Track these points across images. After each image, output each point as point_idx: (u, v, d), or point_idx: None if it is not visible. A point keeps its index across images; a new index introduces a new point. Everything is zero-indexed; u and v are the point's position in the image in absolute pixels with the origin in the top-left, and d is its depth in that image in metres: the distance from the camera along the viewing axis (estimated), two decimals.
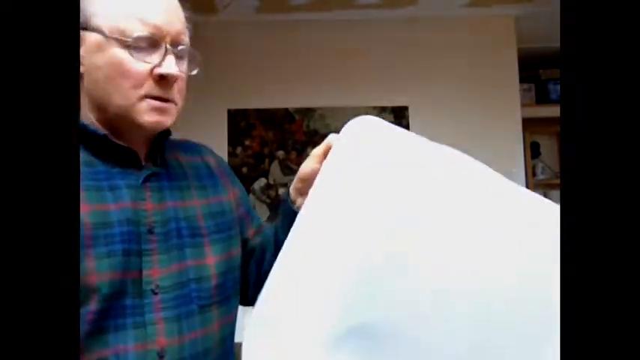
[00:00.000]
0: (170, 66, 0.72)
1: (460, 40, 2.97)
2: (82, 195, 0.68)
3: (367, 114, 0.72)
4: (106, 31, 0.70)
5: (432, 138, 0.72)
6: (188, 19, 0.79)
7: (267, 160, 2.92)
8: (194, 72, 0.78)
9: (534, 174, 3.46)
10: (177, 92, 0.75)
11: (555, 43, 3.05)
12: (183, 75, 0.76)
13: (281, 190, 2.89)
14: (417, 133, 0.72)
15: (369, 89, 2.94)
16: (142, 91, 0.72)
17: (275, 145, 2.93)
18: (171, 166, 0.82)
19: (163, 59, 0.72)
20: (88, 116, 0.74)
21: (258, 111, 2.94)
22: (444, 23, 2.96)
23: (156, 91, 0.72)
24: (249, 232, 0.90)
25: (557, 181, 3.40)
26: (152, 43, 0.72)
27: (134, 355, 0.69)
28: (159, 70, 0.72)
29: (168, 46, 0.72)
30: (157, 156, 0.79)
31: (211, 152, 0.92)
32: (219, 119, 2.95)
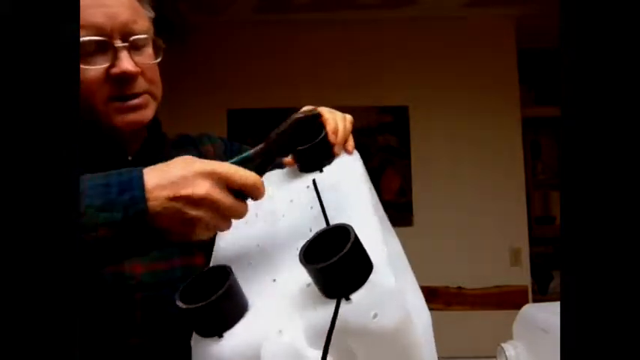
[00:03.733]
0: (123, 63, 0.68)
1: (460, 40, 2.97)
2: None
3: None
4: None
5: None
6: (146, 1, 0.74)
7: None
8: (158, 59, 0.73)
9: (534, 174, 3.46)
10: (147, 83, 0.71)
11: (555, 43, 3.04)
12: (148, 65, 0.71)
13: None
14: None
15: (368, 89, 2.93)
16: (104, 95, 0.68)
17: None
18: None
19: (115, 58, 0.68)
20: None
21: (258, 111, 2.94)
22: (444, 23, 2.96)
23: (118, 92, 0.69)
24: None
25: (557, 181, 3.40)
26: (100, 43, 0.67)
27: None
28: (113, 71, 0.68)
29: (118, 43, 0.68)
30: (148, 155, 0.75)
31: (210, 139, 0.88)
32: (219, 119, 2.95)
